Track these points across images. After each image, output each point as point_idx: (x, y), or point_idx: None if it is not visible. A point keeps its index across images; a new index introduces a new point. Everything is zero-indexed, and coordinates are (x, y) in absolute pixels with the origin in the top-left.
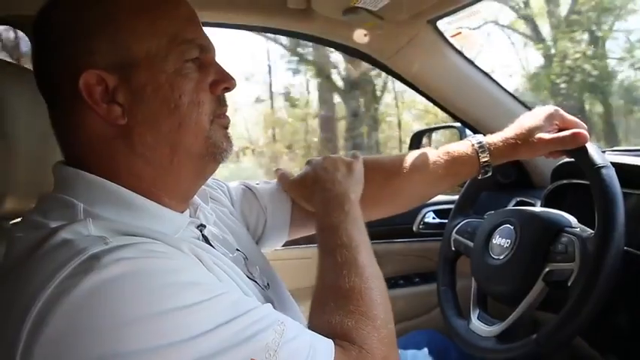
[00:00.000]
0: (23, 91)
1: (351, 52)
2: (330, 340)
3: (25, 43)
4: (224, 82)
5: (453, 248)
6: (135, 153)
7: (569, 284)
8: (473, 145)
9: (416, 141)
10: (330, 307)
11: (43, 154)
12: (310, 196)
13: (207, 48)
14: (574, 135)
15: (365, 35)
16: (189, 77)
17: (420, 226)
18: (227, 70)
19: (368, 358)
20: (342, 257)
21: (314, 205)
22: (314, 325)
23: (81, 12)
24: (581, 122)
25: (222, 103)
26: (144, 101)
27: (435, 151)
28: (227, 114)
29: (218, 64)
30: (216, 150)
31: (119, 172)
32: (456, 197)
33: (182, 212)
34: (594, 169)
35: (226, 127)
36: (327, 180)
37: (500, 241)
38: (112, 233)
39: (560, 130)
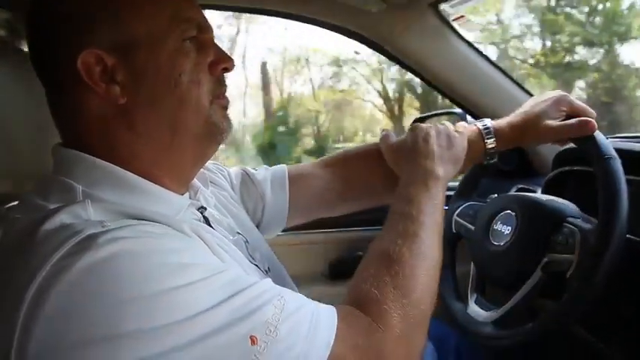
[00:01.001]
0: (18, 73)
1: (352, 36)
2: (334, 309)
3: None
4: (223, 62)
5: (454, 230)
6: (135, 133)
7: (567, 276)
8: (480, 129)
9: None
10: (369, 272)
11: (39, 137)
12: (401, 163)
13: (205, 28)
14: (582, 123)
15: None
16: (189, 56)
17: None
18: (225, 51)
19: (378, 332)
20: (403, 227)
21: (400, 172)
22: (351, 284)
23: None
24: (590, 109)
25: (221, 84)
26: (144, 80)
27: None
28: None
29: (217, 45)
30: (216, 130)
31: (119, 154)
32: (456, 184)
33: (182, 194)
34: (601, 160)
35: (226, 108)
36: (422, 152)
37: (501, 227)
38: (111, 215)
39: (567, 117)
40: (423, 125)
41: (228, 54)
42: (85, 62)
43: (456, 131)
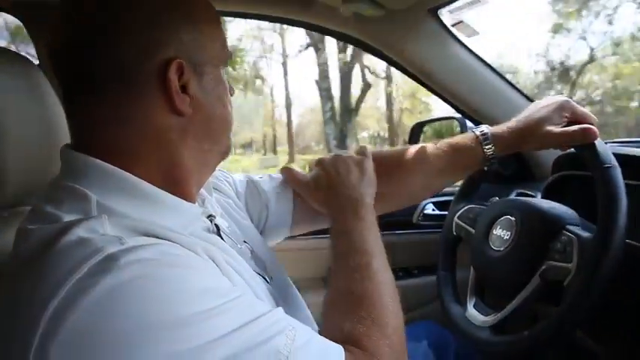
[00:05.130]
0: (15, 77)
1: (352, 41)
2: (340, 346)
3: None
4: (231, 89)
5: (454, 233)
6: (184, 145)
7: (564, 284)
8: (477, 136)
9: (416, 132)
10: (342, 313)
11: (38, 141)
12: (324, 199)
13: None
14: (584, 131)
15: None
16: (224, 79)
17: (420, 218)
18: None
19: None
20: (355, 262)
21: (328, 209)
22: (326, 330)
23: (165, 2)
24: (592, 116)
25: None
26: (206, 97)
27: (438, 144)
28: None
29: None
30: (229, 149)
31: (147, 163)
32: (456, 189)
33: (194, 203)
34: (601, 169)
35: None
36: (341, 184)
37: (501, 232)
38: (127, 232)
39: (569, 123)
40: (328, 158)
41: None
42: (172, 71)
43: (359, 154)
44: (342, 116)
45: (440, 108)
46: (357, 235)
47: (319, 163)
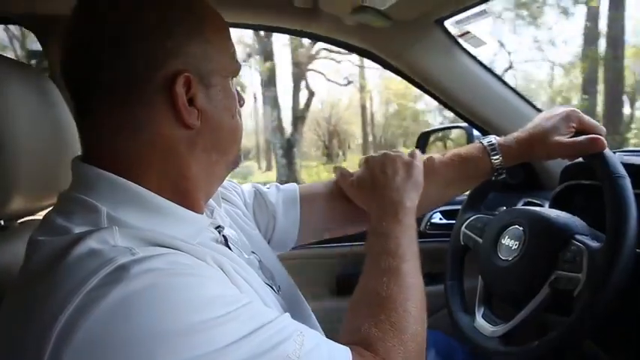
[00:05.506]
0: (27, 89)
1: (359, 52)
2: (347, 348)
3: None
4: (241, 98)
5: (462, 242)
6: (192, 157)
7: (574, 294)
8: (485, 147)
9: (422, 141)
10: (363, 313)
11: (49, 152)
12: (366, 199)
13: None
14: (591, 141)
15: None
16: (233, 90)
17: (427, 227)
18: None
19: None
20: (385, 264)
21: (369, 209)
22: (345, 328)
23: (177, 13)
24: (600, 126)
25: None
26: (215, 109)
27: (446, 154)
28: None
29: None
30: (239, 160)
31: (156, 175)
32: (464, 198)
33: (202, 214)
34: (610, 179)
35: None
36: (386, 185)
37: (509, 242)
38: (137, 242)
39: (577, 133)
40: (376, 156)
41: None
42: (180, 84)
43: (410, 156)
44: (293, 125)
45: (435, 114)
46: (393, 237)
47: (366, 161)
